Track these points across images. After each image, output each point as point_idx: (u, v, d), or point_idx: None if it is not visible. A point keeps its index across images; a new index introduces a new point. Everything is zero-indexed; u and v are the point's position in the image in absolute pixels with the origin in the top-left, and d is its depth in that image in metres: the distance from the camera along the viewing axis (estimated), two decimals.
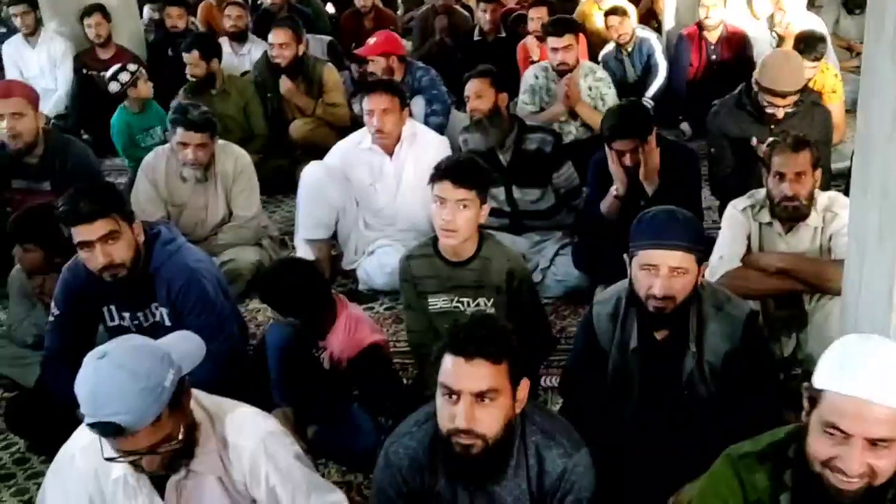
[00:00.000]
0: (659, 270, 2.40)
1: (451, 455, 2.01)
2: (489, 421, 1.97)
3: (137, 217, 3.02)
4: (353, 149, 4.33)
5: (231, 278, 3.83)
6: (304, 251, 4.22)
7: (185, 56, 5.49)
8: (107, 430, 1.85)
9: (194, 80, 5.51)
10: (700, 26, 6.28)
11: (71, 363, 2.91)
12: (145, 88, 5.30)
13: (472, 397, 1.94)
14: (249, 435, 2.10)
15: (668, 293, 2.40)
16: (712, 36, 6.27)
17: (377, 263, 4.18)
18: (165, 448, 1.94)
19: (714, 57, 6.28)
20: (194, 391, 2.10)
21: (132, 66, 5.33)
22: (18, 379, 3.44)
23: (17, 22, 6.68)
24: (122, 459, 1.94)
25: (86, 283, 2.97)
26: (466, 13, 7.96)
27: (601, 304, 2.65)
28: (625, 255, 2.52)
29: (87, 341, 3.05)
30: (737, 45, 6.27)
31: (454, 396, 1.96)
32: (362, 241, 4.29)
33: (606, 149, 3.73)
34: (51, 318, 3.08)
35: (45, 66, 6.60)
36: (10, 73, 6.65)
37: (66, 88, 6.51)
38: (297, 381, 3.06)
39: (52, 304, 3.07)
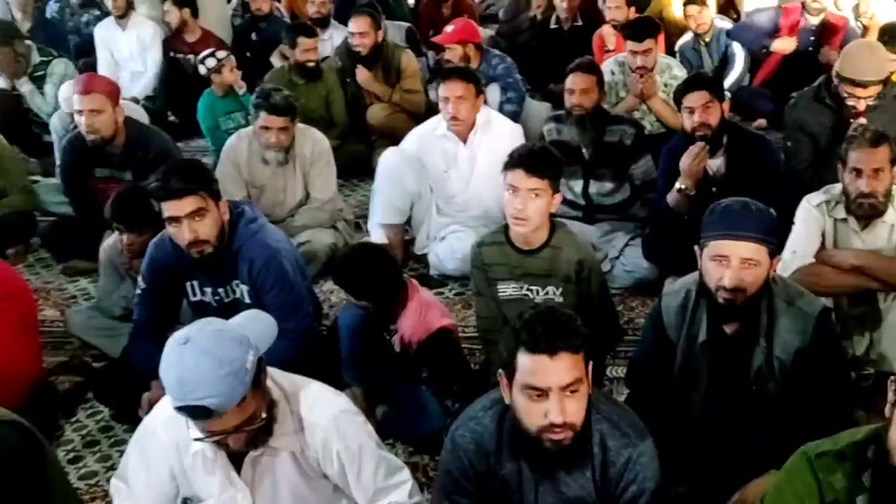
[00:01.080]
0: (730, 262, 2.35)
1: (540, 450, 2.00)
2: (577, 410, 1.97)
3: None
4: (428, 135, 4.34)
5: (307, 259, 3.88)
6: (378, 235, 4.26)
7: (307, 41, 5.52)
8: (197, 413, 1.90)
9: (312, 64, 5.56)
10: (804, 6, 6.07)
11: (155, 336, 3.06)
12: (230, 76, 5.39)
13: (561, 392, 1.93)
14: (323, 412, 2.13)
15: (739, 285, 2.34)
16: (814, 20, 6.06)
17: (448, 248, 4.19)
18: (250, 427, 1.98)
19: (812, 38, 6.05)
20: (269, 369, 2.12)
21: (221, 53, 5.42)
22: (106, 349, 3.52)
23: (109, 4, 6.80)
24: (209, 439, 1.99)
25: (171, 258, 3.03)
26: None
27: (670, 296, 2.61)
28: (695, 247, 2.47)
29: (171, 315, 3.17)
30: (833, 35, 6.01)
31: (542, 395, 1.94)
32: (434, 226, 4.30)
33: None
34: (137, 292, 3.15)
35: (134, 49, 6.70)
36: (102, 55, 6.76)
37: (154, 71, 6.62)
38: (367, 362, 3.09)
39: (139, 278, 3.14)
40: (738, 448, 2.42)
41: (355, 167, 5.44)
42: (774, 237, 2.43)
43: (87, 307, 3.86)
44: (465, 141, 4.23)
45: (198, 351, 1.89)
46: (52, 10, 8.42)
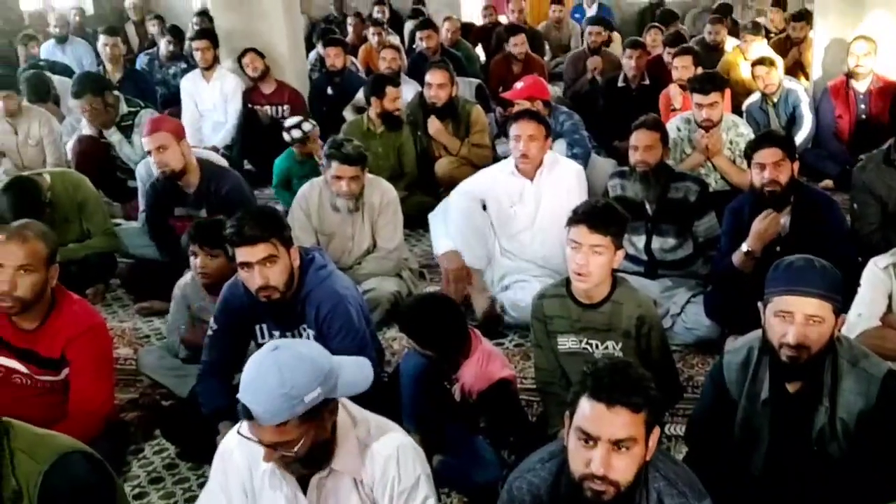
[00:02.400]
0: (794, 318, 2.30)
1: (581, 499, 1.97)
2: (624, 469, 1.92)
3: None
4: (496, 174, 4.44)
5: (371, 306, 3.91)
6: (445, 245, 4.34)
7: (394, 91, 5.65)
8: (243, 410, 1.98)
9: (398, 112, 5.67)
10: (849, 76, 6.03)
11: (222, 377, 3.09)
12: (314, 147, 5.50)
13: (609, 444, 1.90)
14: (387, 441, 2.17)
15: (803, 342, 2.29)
16: (861, 86, 6.01)
17: (512, 298, 4.18)
18: (284, 452, 2.02)
19: (863, 107, 6.01)
20: (347, 403, 2.19)
21: (307, 126, 5.52)
22: (174, 389, 3.57)
23: (197, 56, 7.04)
24: (248, 437, 2.05)
25: (243, 300, 3.09)
26: (617, 56, 7.94)
27: (732, 354, 2.55)
28: (759, 303, 2.42)
29: (238, 357, 3.17)
30: (888, 96, 5.95)
31: (591, 442, 1.92)
32: (498, 269, 4.34)
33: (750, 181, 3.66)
34: (209, 333, 3.20)
35: (217, 100, 6.90)
36: (186, 106, 6.99)
37: (234, 122, 6.80)
38: (427, 409, 3.07)
39: (212, 319, 3.20)
40: None
41: (421, 218, 5.48)
42: (839, 294, 2.36)
43: (158, 347, 3.93)
44: (531, 179, 4.29)
45: (275, 362, 1.99)
46: (141, 62, 8.77)
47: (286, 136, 5.52)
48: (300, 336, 3.11)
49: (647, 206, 4.14)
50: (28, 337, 2.96)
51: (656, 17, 9.37)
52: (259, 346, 3.16)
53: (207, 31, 7.20)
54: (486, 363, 3.04)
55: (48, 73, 7.29)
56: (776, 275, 2.39)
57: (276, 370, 1.97)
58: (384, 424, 2.23)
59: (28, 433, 2.15)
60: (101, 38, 7.67)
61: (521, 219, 4.35)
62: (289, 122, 5.60)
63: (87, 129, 5.78)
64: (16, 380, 3.01)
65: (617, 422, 1.90)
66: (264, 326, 3.14)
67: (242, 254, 2.90)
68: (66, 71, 7.90)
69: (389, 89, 5.64)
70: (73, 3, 12.06)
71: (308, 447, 2.04)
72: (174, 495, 3.10)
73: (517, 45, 7.55)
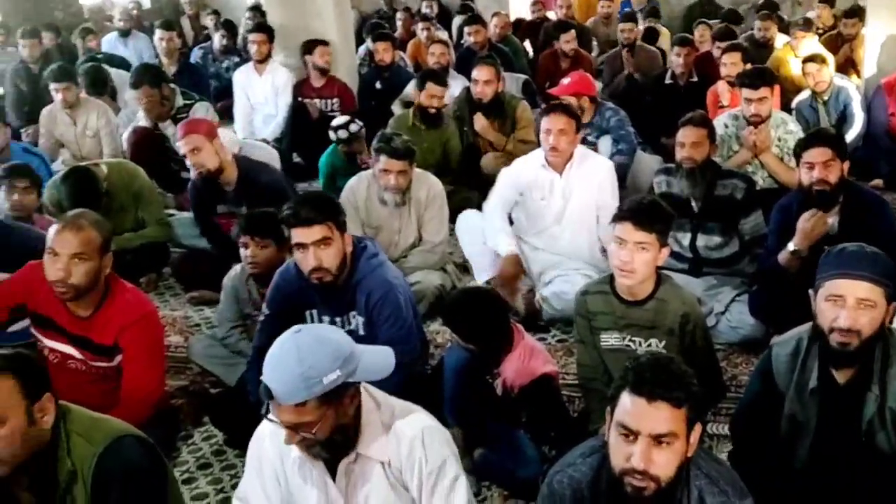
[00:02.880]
0: (845, 301, 2.28)
1: (621, 494, 1.96)
2: (664, 464, 1.91)
3: None
4: (527, 166, 4.43)
5: (416, 299, 3.91)
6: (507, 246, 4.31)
7: (435, 88, 5.63)
8: (265, 389, 2.01)
9: (433, 110, 5.64)
10: None
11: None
12: (359, 148, 5.50)
13: (650, 439, 1.89)
14: (412, 423, 2.17)
15: (854, 326, 2.26)
16: None
17: (555, 290, 4.18)
18: (304, 433, 2.04)
19: None
20: (372, 389, 2.21)
21: (354, 127, 5.52)
22: (223, 377, 3.61)
23: (252, 49, 7.08)
24: (270, 418, 2.09)
25: (294, 286, 3.14)
26: (656, 50, 7.86)
27: (781, 345, 2.53)
28: (810, 291, 2.40)
29: None
30: None
31: (631, 436, 1.91)
32: (535, 266, 4.33)
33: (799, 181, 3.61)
34: (261, 318, 3.26)
35: (269, 94, 6.94)
36: (238, 98, 7.04)
37: (284, 115, 6.83)
38: (469, 403, 3.08)
39: (264, 305, 3.25)
40: None
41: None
42: (891, 282, 2.33)
43: (207, 335, 3.97)
44: (560, 173, 4.29)
45: (296, 343, 2.03)
46: (196, 56, 8.87)
47: (332, 136, 5.54)
48: (349, 323, 3.15)
49: (693, 203, 4.09)
50: (83, 324, 3.02)
51: (706, 14, 9.25)
52: None
53: (265, 25, 7.23)
54: (528, 358, 3.03)
55: (106, 66, 7.41)
56: (827, 260, 2.38)
57: (296, 350, 2.00)
58: (408, 407, 2.23)
59: (84, 417, 2.20)
60: (157, 33, 7.79)
61: (550, 212, 4.35)
62: (336, 121, 5.61)
63: (143, 121, 5.87)
64: (71, 365, 3.07)
65: (658, 416, 1.89)
66: (314, 312, 3.17)
67: (298, 235, 2.94)
68: (123, 64, 8.01)
69: (430, 85, 5.63)
70: None
71: (328, 430, 2.06)
72: (221, 481, 3.15)
73: (567, 42, 7.51)
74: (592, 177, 4.28)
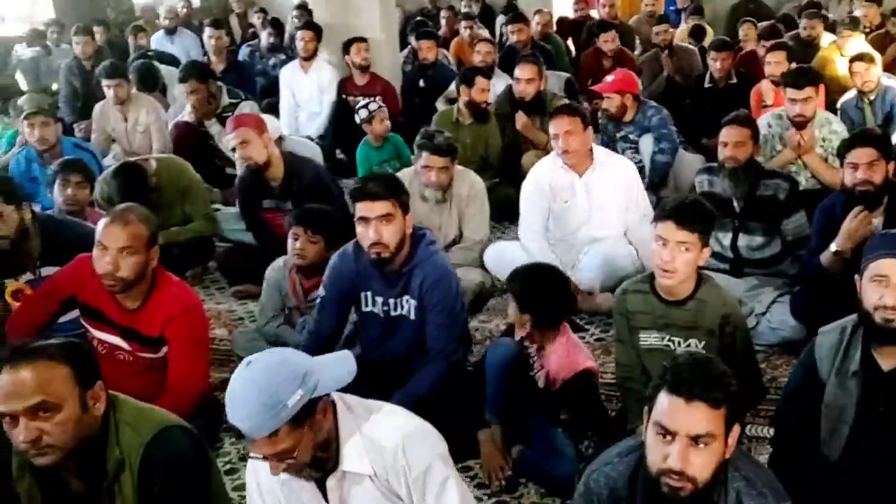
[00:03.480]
0: (890, 280, 2.29)
1: (657, 494, 1.94)
2: (701, 465, 1.89)
3: None
4: (548, 168, 4.41)
5: None
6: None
7: (485, 82, 5.65)
8: (235, 431, 1.98)
9: (485, 104, 5.65)
10: None
11: (322, 349, 3.12)
12: (380, 127, 5.54)
13: (687, 439, 1.87)
14: (390, 432, 2.10)
15: None
16: None
17: (587, 265, 4.22)
18: (286, 459, 1.99)
19: None
20: (346, 397, 2.14)
21: (373, 106, 5.58)
22: None
23: (299, 46, 7.13)
24: (252, 456, 2.03)
25: (352, 267, 3.19)
26: (694, 50, 7.76)
27: (825, 334, 2.52)
28: (856, 276, 2.40)
29: (339, 326, 3.33)
30: None
31: (669, 436, 1.89)
32: (567, 259, 4.31)
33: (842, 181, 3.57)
34: (318, 300, 3.31)
35: (314, 91, 6.99)
36: (284, 95, 7.09)
37: (328, 112, 6.88)
38: (510, 400, 3.06)
39: (321, 287, 3.30)
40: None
41: (506, 210, 5.46)
42: None
43: (251, 329, 4.02)
44: (580, 174, 4.27)
45: (250, 376, 1.96)
46: (243, 53, 8.97)
47: (356, 119, 5.59)
48: (401, 307, 3.18)
49: (735, 203, 4.03)
50: (131, 315, 3.06)
51: (750, 12, 9.12)
52: (361, 314, 3.27)
53: (313, 23, 7.28)
54: (571, 352, 3.04)
55: (156, 63, 7.52)
56: (873, 244, 2.40)
57: (252, 383, 1.94)
58: (387, 413, 2.16)
59: (132, 407, 2.23)
60: (207, 31, 7.87)
61: (575, 215, 4.32)
62: (360, 104, 5.67)
63: (186, 117, 5.94)
64: (119, 356, 3.12)
65: (695, 417, 1.87)
66: (369, 294, 3.22)
67: (362, 208, 3.00)
68: (173, 61, 8.12)
69: (479, 80, 5.64)
70: None
71: (310, 450, 2.01)
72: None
73: (608, 42, 7.46)
74: (613, 178, 4.26)
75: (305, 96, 7.04)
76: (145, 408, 2.28)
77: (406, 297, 3.16)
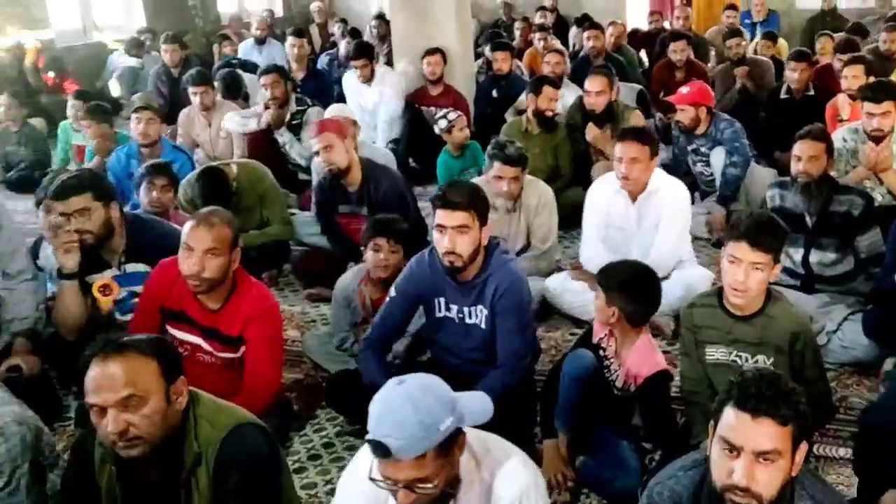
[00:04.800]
0: None
1: None
2: (767, 482, 1.85)
3: None
4: (607, 189, 4.32)
5: None
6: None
7: (552, 91, 5.62)
8: (377, 448, 1.90)
9: (550, 114, 5.62)
10: None
11: (380, 352, 3.22)
12: (460, 135, 5.53)
13: (753, 456, 1.84)
14: (511, 485, 2.06)
15: None
16: None
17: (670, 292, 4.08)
18: (422, 489, 1.93)
19: None
20: (470, 437, 2.07)
21: (452, 115, 5.59)
22: (334, 371, 3.64)
23: (356, 73, 7.06)
24: (381, 484, 1.96)
25: (428, 272, 3.19)
26: (769, 62, 7.59)
27: None
28: None
29: (400, 328, 3.33)
30: None
31: (734, 452, 1.86)
32: None
33: None
34: (388, 299, 3.30)
35: (377, 99, 6.96)
36: (350, 101, 7.08)
37: (394, 119, 6.84)
38: (583, 411, 3.02)
39: (392, 288, 3.29)
40: None
41: (575, 218, 5.42)
42: None
43: (322, 332, 4.05)
44: (634, 200, 4.18)
45: (405, 393, 1.92)
46: (322, 62, 9.12)
47: (436, 129, 5.60)
48: (474, 316, 3.17)
49: (808, 219, 3.93)
50: (212, 316, 3.12)
51: (828, 26, 8.89)
52: (434, 319, 3.25)
53: (364, 48, 7.19)
54: (652, 350, 3.00)
55: (240, 72, 7.68)
56: None
57: (408, 400, 1.90)
58: (510, 463, 2.10)
59: (210, 403, 2.28)
60: (289, 40, 7.99)
61: (628, 240, 4.24)
62: (439, 113, 5.69)
63: (253, 125, 6.03)
64: (199, 357, 3.18)
65: (762, 433, 1.83)
66: (442, 301, 3.21)
67: (441, 216, 3.00)
68: (256, 70, 8.28)
69: (546, 88, 5.61)
70: (264, 5, 12.68)
71: (443, 483, 1.96)
72: (330, 472, 3.19)
73: (676, 52, 7.36)
74: (663, 209, 4.15)
75: (369, 106, 7.01)
76: (223, 405, 2.32)
77: (479, 307, 3.15)
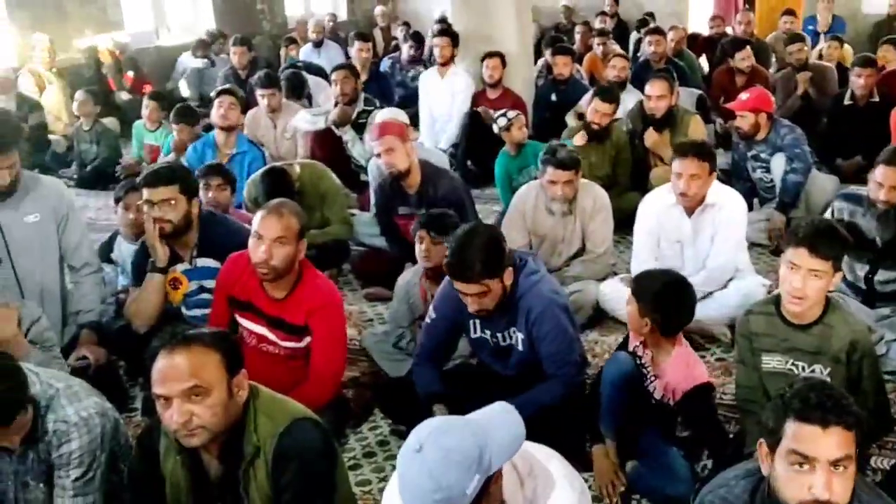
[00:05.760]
0: None
1: None
2: (843, 490, 1.83)
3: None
4: (660, 202, 4.22)
5: (574, 308, 3.85)
6: None
7: (601, 105, 5.52)
8: None
9: (596, 126, 5.53)
10: None
11: (435, 362, 3.20)
12: (519, 133, 5.49)
13: (828, 465, 1.81)
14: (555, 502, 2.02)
15: None
16: None
17: (725, 302, 4.04)
18: None
19: None
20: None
21: (511, 113, 5.55)
22: (391, 372, 3.70)
23: (436, 52, 7.20)
24: None
25: (458, 294, 3.11)
26: (832, 68, 7.40)
27: None
28: None
29: (451, 345, 3.32)
30: None
31: (807, 465, 1.82)
32: None
33: None
34: (427, 321, 3.29)
35: (447, 98, 7.00)
36: (423, 102, 7.17)
37: (457, 121, 6.87)
38: (625, 416, 3.00)
39: (431, 308, 3.28)
40: None
41: (632, 223, 5.35)
42: None
43: (379, 331, 4.09)
44: (690, 215, 4.09)
45: (423, 466, 1.80)
46: (385, 65, 9.17)
47: (494, 128, 5.58)
48: (510, 338, 3.12)
49: (878, 240, 3.77)
50: (278, 305, 3.17)
51: (894, 31, 8.64)
52: (471, 339, 3.24)
53: (449, 31, 7.32)
54: (691, 363, 2.95)
55: (304, 73, 7.78)
56: None
57: (428, 477, 1.79)
58: (551, 476, 2.04)
59: (269, 397, 2.31)
60: (356, 43, 8.06)
61: (682, 254, 4.15)
62: (496, 114, 5.67)
63: (320, 123, 6.09)
64: (264, 348, 3.23)
65: (834, 442, 1.81)
66: (477, 322, 3.18)
67: (457, 286, 2.97)
68: (319, 72, 8.37)
69: (596, 101, 5.53)
70: (329, 9, 12.83)
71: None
72: (384, 470, 3.20)
73: (743, 60, 7.23)
74: (719, 224, 4.05)
75: (438, 101, 7.04)
76: (281, 399, 2.35)
77: (513, 329, 3.10)
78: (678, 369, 2.91)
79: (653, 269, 3.23)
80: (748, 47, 7.32)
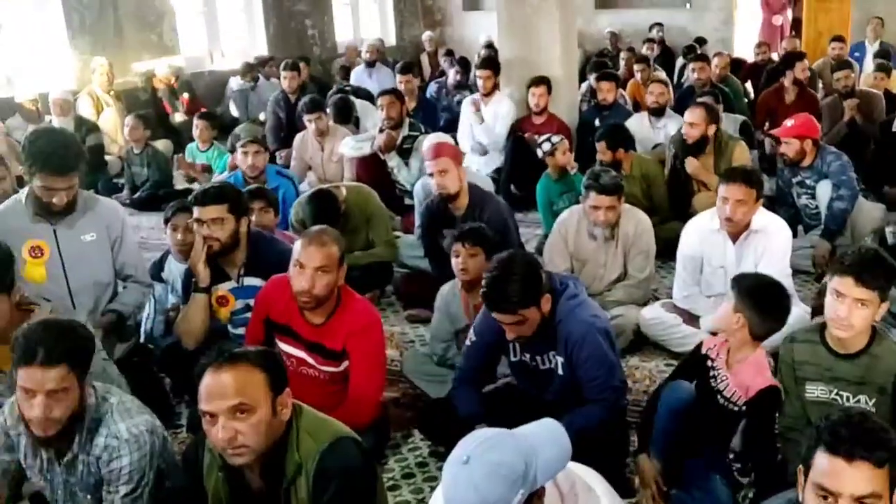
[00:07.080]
0: None
1: None
2: None
3: (545, 266, 3.14)
4: (704, 229, 4.17)
5: (616, 333, 3.82)
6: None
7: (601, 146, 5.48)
8: None
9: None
10: None
11: (475, 384, 3.19)
12: (563, 158, 5.48)
13: (851, 501, 1.77)
14: None
15: None
16: None
17: None
18: None
19: None
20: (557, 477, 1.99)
21: (556, 138, 5.55)
22: (431, 393, 3.70)
23: (479, 83, 7.25)
24: None
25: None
26: (879, 94, 7.27)
27: None
28: None
29: (491, 367, 3.30)
30: None
31: (830, 498, 1.79)
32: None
33: None
34: (467, 343, 3.28)
35: (490, 122, 7.03)
36: (463, 126, 7.19)
37: (500, 144, 6.87)
38: (678, 441, 2.94)
39: (471, 331, 3.28)
40: None
41: (674, 249, 5.30)
42: None
43: (420, 352, 4.09)
44: (734, 240, 4.03)
45: (470, 480, 1.80)
46: (431, 90, 9.24)
47: (539, 153, 5.57)
48: (550, 362, 3.09)
49: None
50: (317, 330, 3.18)
51: None
52: (511, 362, 3.23)
53: (492, 61, 7.37)
54: (763, 367, 2.88)
55: (351, 98, 7.87)
56: None
57: (473, 490, 1.78)
58: (593, 493, 2.03)
59: (312, 416, 2.33)
60: (398, 76, 8.12)
61: (726, 280, 4.03)
62: (540, 139, 5.67)
63: (366, 149, 6.14)
64: (303, 371, 3.25)
65: (858, 477, 1.76)
66: (517, 346, 3.16)
67: (497, 316, 2.95)
68: (368, 96, 8.47)
69: (599, 145, 5.47)
70: (377, 34, 12.98)
71: None
72: (422, 491, 3.19)
73: (803, 71, 7.15)
74: (762, 251, 3.99)
75: (480, 129, 7.04)
76: (324, 418, 2.36)
77: (552, 353, 3.07)
78: (755, 369, 2.85)
79: (752, 272, 3.17)
80: (805, 59, 7.20)
